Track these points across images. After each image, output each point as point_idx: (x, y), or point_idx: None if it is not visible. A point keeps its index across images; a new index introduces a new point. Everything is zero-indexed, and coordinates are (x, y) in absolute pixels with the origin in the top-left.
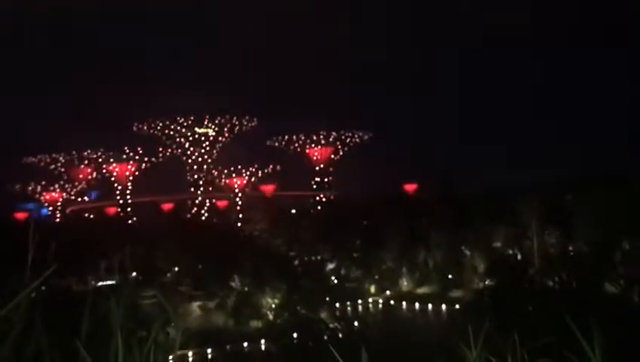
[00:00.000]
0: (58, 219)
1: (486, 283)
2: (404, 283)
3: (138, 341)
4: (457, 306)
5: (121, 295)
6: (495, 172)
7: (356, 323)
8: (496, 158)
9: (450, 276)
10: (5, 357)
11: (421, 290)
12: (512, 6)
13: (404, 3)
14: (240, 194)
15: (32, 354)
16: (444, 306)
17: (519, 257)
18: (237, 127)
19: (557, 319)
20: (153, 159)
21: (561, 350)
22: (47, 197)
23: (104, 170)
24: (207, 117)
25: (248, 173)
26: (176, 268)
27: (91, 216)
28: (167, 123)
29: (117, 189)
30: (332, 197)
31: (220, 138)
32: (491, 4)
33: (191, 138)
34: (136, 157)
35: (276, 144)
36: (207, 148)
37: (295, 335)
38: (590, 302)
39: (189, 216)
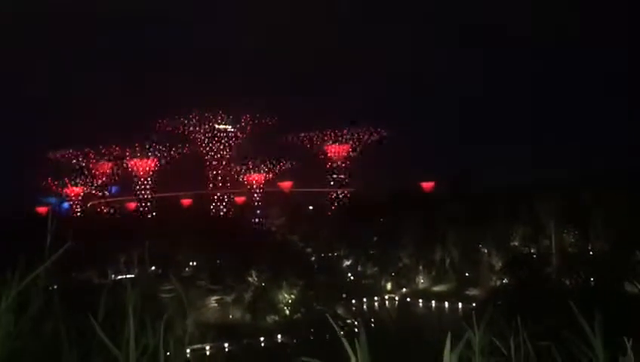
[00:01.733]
0: (79, 213)
1: (503, 281)
2: (421, 281)
3: (152, 324)
4: (474, 304)
5: (139, 284)
6: (513, 169)
7: (372, 320)
8: (514, 155)
9: (467, 274)
10: (25, 332)
11: (437, 288)
12: (513, 7)
13: (419, 6)
14: (258, 191)
15: (50, 330)
16: (460, 304)
17: (536, 256)
18: (256, 124)
19: (569, 317)
20: (174, 154)
21: (562, 333)
22: (69, 191)
23: (125, 165)
24: (227, 113)
25: (266, 169)
26: (195, 263)
27: (112, 211)
28: (188, 119)
29: (137, 184)
30: (349, 194)
31: (240, 134)
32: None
33: (210, 134)
34: (157, 153)
35: (294, 141)
36: (227, 145)
37: (311, 330)
38: (607, 302)
39: (210, 213)
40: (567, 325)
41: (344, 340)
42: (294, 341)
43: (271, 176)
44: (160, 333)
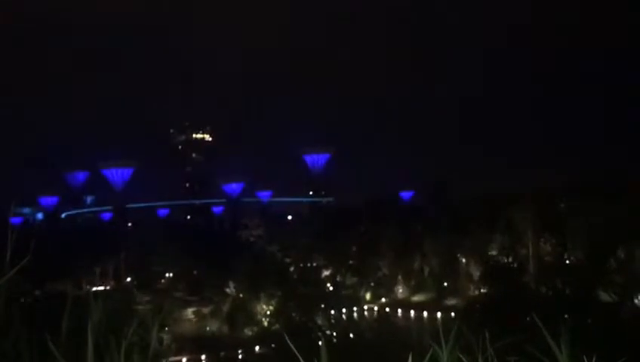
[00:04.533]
0: (53, 224)
1: (481, 291)
2: (400, 291)
3: (116, 342)
4: (453, 314)
5: (114, 299)
6: (492, 176)
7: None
8: (494, 163)
9: (445, 284)
10: None
11: (416, 298)
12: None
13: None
14: (236, 200)
15: (10, 349)
16: (439, 314)
17: (514, 265)
18: (235, 134)
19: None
20: (151, 165)
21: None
22: (43, 201)
23: (101, 175)
24: (205, 123)
25: (245, 179)
26: (171, 274)
27: (87, 221)
28: (166, 129)
29: (113, 194)
30: (328, 204)
31: (218, 144)
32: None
33: (189, 144)
34: (134, 163)
35: (273, 151)
36: (205, 154)
37: (289, 341)
38: (583, 310)
39: (188, 223)
40: (534, 339)
41: (297, 353)
42: (272, 351)
43: (250, 185)
44: (122, 350)
